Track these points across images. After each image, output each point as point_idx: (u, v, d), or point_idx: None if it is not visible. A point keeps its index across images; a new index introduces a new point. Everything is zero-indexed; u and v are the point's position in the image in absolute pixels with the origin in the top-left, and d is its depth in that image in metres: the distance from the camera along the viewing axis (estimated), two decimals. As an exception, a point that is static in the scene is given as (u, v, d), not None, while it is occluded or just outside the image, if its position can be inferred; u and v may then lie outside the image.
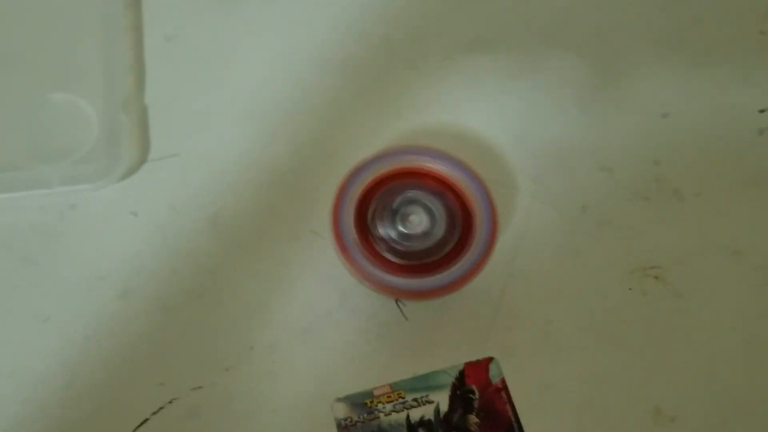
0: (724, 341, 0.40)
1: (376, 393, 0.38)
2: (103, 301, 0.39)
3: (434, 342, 0.40)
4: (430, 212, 0.39)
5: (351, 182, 0.39)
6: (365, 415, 0.38)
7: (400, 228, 0.39)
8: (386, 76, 0.46)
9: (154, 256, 0.41)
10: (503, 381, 0.39)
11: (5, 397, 0.37)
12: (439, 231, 0.39)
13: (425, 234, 0.39)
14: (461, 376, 0.39)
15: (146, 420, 0.37)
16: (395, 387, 0.38)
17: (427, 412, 0.38)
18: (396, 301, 0.40)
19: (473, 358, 0.39)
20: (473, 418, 0.38)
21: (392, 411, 0.38)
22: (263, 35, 0.47)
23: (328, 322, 0.40)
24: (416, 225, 0.39)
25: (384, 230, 0.39)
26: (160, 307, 0.39)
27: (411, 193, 0.40)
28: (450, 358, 0.39)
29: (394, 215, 0.39)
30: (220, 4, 0.48)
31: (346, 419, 0.37)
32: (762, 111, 0.46)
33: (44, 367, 0.38)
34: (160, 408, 0.37)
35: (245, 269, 0.40)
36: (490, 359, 0.39)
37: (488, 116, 0.45)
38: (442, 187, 0.40)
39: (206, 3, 0.48)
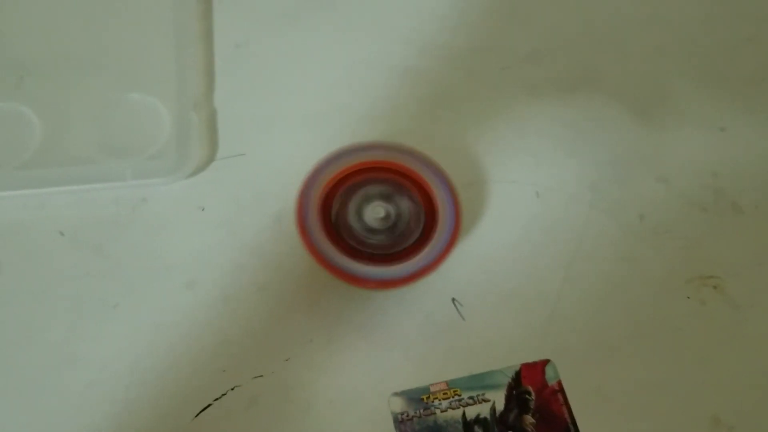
0: (785, 352, 0.40)
1: (432, 389, 0.38)
2: (170, 290, 0.41)
3: (490, 342, 0.40)
4: (395, 205, 0.40)
5: (315, 176, 0.40)
6: (421, 411, 0.38)
7: (365, 220, 0.40)
8: (446, 84, 0.47)
9: (219, 249, 0.42)
10: (560, 383, 0.39)
11: (73, 379, 0.39)
12: (403, 224, 0.40)
13: (390, 227, 0.40)
14: (517, 377, 0.39)
15: (209, 405, 0.38)
16: (451, 384, 0.39)
17: (483, 410, 0.38)
18: (453, 301, 0.41)
19: (529, 360, 0.39)
20: (529, 419, 0.38)
21: (448, 408, 0.38)
22: (327, 43, 0.49)
23: (385, 319, 0.40)
24: (380, 218, 0.40)
25: (350, 221, 0.40)
26: (224, 298, 0.41)
27: (376, 187, 0.41)
28: (506, 359, 0.39)
29: (360, 208, 0.40)
30: (286, 14, 0.50)
31: (402, 413, 0.38)
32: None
33: (112, 351, 0.39)
34: (222, 395, 0.38)
35: (306, 265, 0.41)
36: (546, 361, 0.39)
37: (544, 125, 0.46)
38: (407, 182, 0.41)
39: (273, 13, 0.50)
